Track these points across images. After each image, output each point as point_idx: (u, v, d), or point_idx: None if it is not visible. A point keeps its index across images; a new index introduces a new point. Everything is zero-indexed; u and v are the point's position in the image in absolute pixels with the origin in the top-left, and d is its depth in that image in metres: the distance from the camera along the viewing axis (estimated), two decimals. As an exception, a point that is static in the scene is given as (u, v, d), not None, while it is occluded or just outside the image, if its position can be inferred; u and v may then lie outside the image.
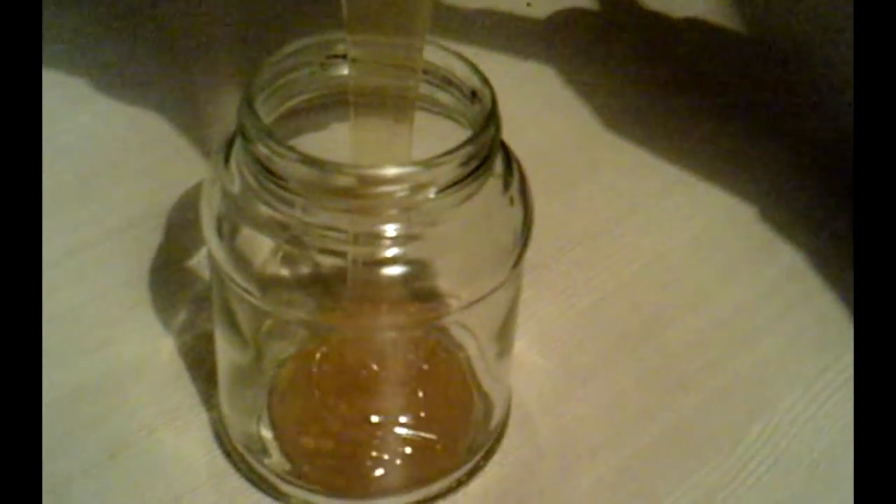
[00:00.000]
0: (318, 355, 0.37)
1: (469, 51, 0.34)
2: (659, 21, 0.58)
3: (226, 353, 0.37)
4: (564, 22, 0.58)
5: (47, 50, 0.52)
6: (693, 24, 0.58)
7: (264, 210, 0.32)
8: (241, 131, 0.32)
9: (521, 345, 0.40)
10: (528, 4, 0.58)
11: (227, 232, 0.33)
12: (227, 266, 0.33)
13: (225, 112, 0.50)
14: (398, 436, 0.37)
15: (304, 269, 0.34)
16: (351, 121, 0.34)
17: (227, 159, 0.33)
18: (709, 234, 0.47)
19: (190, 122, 0.50)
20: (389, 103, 0.34)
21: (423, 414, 0.37)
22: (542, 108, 0.53)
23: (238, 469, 0.38)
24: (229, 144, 0.34)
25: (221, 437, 0.38)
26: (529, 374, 0.41)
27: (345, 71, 0.34)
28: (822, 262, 0.46)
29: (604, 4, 0.59)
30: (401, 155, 0.34)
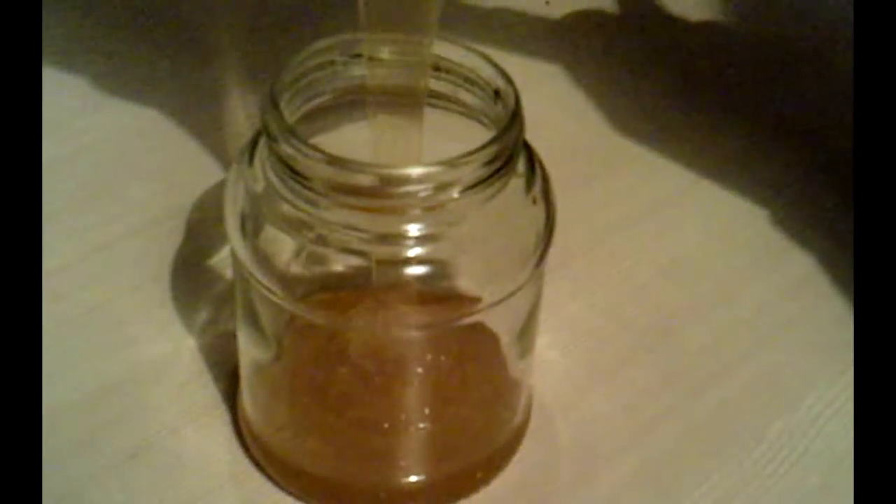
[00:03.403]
0: (339, 355, 0.37)
1: (485, 50, 0.34)
2: (674, 24, 0.58)
3: (248, 352, 0.37)
4: (580, 23, 0.58)
5: (67, 51, 0.52)
6: (708, 27, 0.58)
7: (288, 209, 0.32)
8: (265, 130, 0.32)
9: (542, 344, 0.40)
10: (547, 2, 0.58)
11: (251, 231, 0.33)
12: (250, 265, 0.33)
13: (245, 110, 0.50)
14: (418, 437, 0.37)
15: (328, 269, 0.34)
16: (369, 119, 0.34)
17: (251, 158, 0.33)
18: (729, 233, 0.47)
19: (208, 122, 0.50)
20: (403, 100, 0.34)
21: (444, 414, 0.37)
22: (559, 109, 0.53)
23: (260, 468, 0.38)
24: (253, 143, 0.34)
25: (243, 435, 0.38)
26: (550, 373, 0.41)
27: (366, 70, 0.34)
28: (842, 263, 0.46)
29: (620, 6, 0.59)
30: (415, 150, 0.34)
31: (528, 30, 0.57)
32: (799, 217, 0.48)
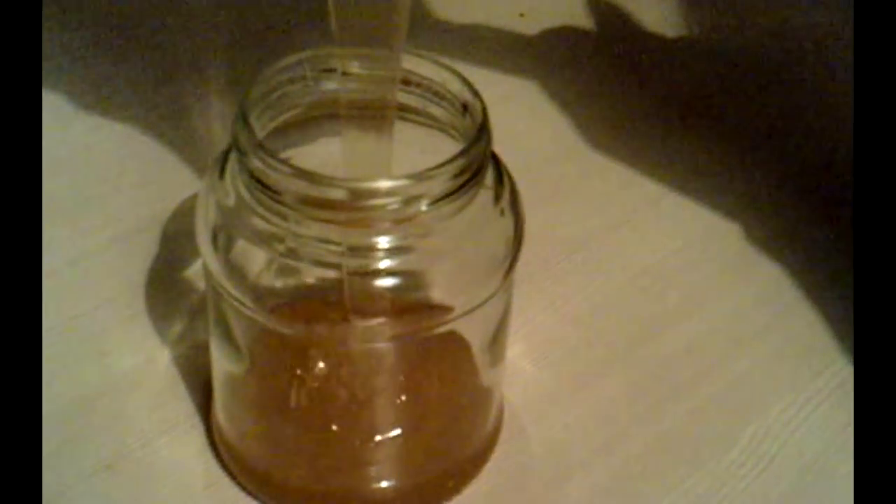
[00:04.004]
0: (310, 366, 0.38)
1: (460, 66, 0.35)
2: (648, 38, 0.59)
3: (221, 364, 0.37)
4: (554, 38, 0.58)
5: (44, 65, 0.52)
6: (681, 42, 0.59)
7: (259, 223, 0.32)
8: (235, 145, 0.32)
9: (513, 354, 0.40)
10: (522, 15, 0.59)
11: (222, 244, 0.34)
12: (221, 278, 0.34)
13: (218, 125, 0.51)
14: (390, 446, 0.37)
15: (299, 281, 0.34)
16: (342, 133, 0.35)
17: (221, 172, 0.34)
18: (699, 243, 0.48)
19: (184, 134, 0.50)
20: (373, 113, 0.34)
21: (416, 423, 0.38)
22: (532, 121, 0.53)
23: (233, 478, 0.38)
24: (224, 157, 0.34)
25: (218, 446, 0.38)
26: (521, 382, 0.41)
27: (337, 85, 0.35)
28: (811, 271, 0.47)
29: (593, 22, 0.59)
30: (385, 164, 0.34)
31: (502, 45, 0.58)
32: (768, 227, 0.49)
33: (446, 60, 0.35)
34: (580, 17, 0.60)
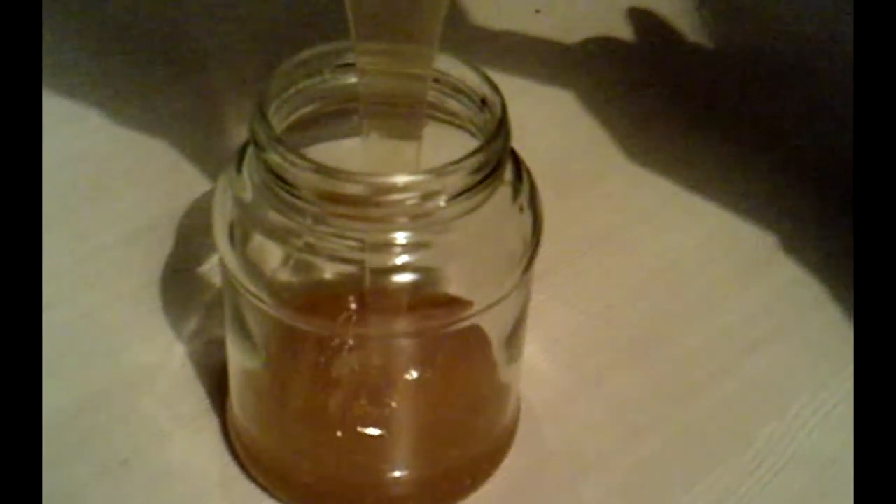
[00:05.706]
0: (328, 361, 0.38)
1: (478, 62, 0.35)
2: (669, 37, 0.59)
3: (237, 360, 0.37)
4: (574, 35, 0.58)
5: (57, 58, 0.52)
6: (702, 42, 0.59)
7: (276, 218, 0.32)
8: (253, 139, 0.32)
9: (531, 351, 0.40)
10: (537, 11, 0.59)
11: (239, 239, 0.33)
12: (238, 273, 0.34)
13: (234, 119, 0.50)
14: (407, 442, 0.37)
15: (316, 276, 0.34)
16: (362, 130, 0.34)
17: (239, 167, 0.34)
18: (716, 242, 0.48)
19: (200, 129, 0.50)
20: (399, 112, 0.34)
21: (433, 419, 0.37)
22: (551, 117, 0.53)
23: (248, 474, 0.38)
24: (242, 152, 0.34)
25: (233, 442, 0.38)
26: (538, 379, 0.41)
27: (356, 79, 0.35)
28: (830, 269, 0.46)
29: (610, 18, 0.59)
30: (410, 163, 0.34)
31: (520, 42, 0.57)
32: (786, 226, 0.48)
33: (464, 57, 0.35)
34: (595, 14, 0.59)
